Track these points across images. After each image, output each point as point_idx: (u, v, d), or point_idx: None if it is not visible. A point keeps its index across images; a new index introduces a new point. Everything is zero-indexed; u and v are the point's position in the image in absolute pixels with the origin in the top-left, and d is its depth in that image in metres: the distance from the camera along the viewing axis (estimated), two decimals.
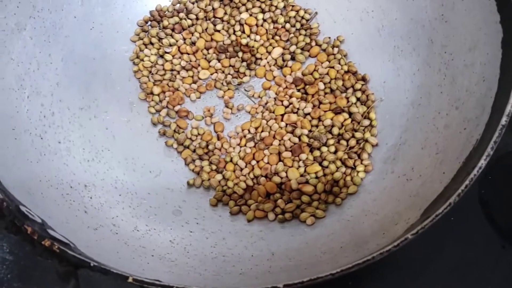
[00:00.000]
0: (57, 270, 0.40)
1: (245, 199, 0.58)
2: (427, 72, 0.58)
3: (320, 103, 0.62)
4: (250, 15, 0.68)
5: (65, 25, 0.60)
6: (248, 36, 0.67)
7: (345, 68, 0.64)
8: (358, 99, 0.62)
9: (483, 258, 0.60)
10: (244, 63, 0.66)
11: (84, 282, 0.41)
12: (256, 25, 0.68)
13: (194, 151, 0.62)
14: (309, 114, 0.62)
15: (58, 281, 0.40)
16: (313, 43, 0.67)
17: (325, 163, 0.59)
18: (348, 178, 0.58)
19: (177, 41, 0.67)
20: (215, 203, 0.58)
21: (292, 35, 0.67)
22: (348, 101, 0.62)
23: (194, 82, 0.66)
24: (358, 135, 0.60)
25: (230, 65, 0.66)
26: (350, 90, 0.63)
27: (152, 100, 0.64)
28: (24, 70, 0.55)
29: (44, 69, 0.57)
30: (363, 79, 0.63)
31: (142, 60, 0.66)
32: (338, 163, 0.59)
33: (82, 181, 0.55)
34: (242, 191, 0.59)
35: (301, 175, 0.59)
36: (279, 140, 0.61)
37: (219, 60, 0.66)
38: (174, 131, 0.63)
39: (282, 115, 0.63)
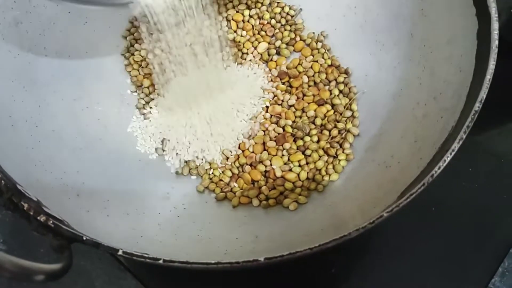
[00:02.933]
0: (51, 244, 0.42)
1: (231, 186, 0.61)
2: (408, 65, 0.60)
3: (304, 95, 0.64)
4: (237, 11, 0.71)
5: (60, 20, 0.61)
6: (235, 31, 0.70)
7: (328, 62, 0.66)
8: (340, 91, 0.64)
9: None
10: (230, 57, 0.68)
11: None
12: (243, 21, 0.70)
13: None
14: (293, 105, 0.64)
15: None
16: (298, 38, 0.69)
17: (308, 152, 0.61)
18: (330, 166, 0.60)
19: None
20: (202, 189, 0.60)
21: (277, 30, 0.70)
22: (331, 94, 0.64)
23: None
24: (340, 125, 0.62)
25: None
26: (333, 83, 0.65)
27: (142, 92, 0.66)
28: (21, 62, 0.57)
29: (39, 61, 0.59)
30: (346, 72, 0.65)
31: (133, 54, 0.68)
32: (321, 152, 0.61)
33: (75, 167, 0.56)
34: (228, 179, 0.61)
35: (285, 164, 0.61)
36: (264, 130, 0.63)
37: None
38: None
39: (267, 107, 0.65)
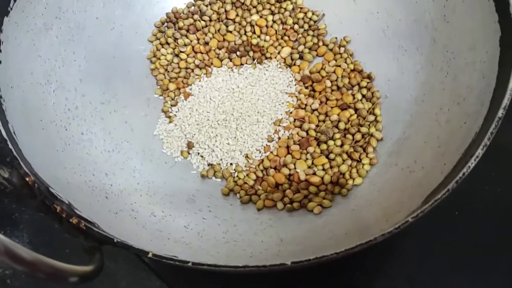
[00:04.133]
0: (83, 245, 0.43)
1: (255, 189, 0.61)
2: (430, 70, 0.60)
3: (327, 99, 0.65)
4: (261, 16, 0.71)
5: (88, 26, 0.63)
6: (258, 36, 0.70)
7: (351, 66, 0.67)
8: (363, 96, 0.65)
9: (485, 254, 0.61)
10: (255, 61, 0.69)
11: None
12: (266, 26, 0.71)
13: None
14: (316, 110, 0.64)
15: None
16: (320, 43, 0.69)
17: (332, 156, 0.61)
18: (354, 170, 0.60)
19: (191, 41, 0.70)
20: (227, 192, 0.61)
21: (300, 35, 0.70)
22: (354, 98, 0.65)
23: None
24: (364, 129, 0.62)
25: (241, 64, 0.69)
26: (356, 88, 0.65)
27: (168, 96, 0.67)
28: (50, 66, 0.58)
29: (68, 66, 0.60)
30: (369, 77, 0.66)
31: (159, 58, 0.69)
32: (344, 156, 0.61)
33: (103, 169, 0.58)
34: (252, 182, 0.61)
35: (309, 167, 0.61)
36: (288, 134, 0.64)
37: (230, 59, 0.69)
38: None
39: (291, 111, 0.65)
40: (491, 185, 0.64)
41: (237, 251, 0.53)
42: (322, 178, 0.60)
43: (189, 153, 0.63)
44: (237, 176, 0.62)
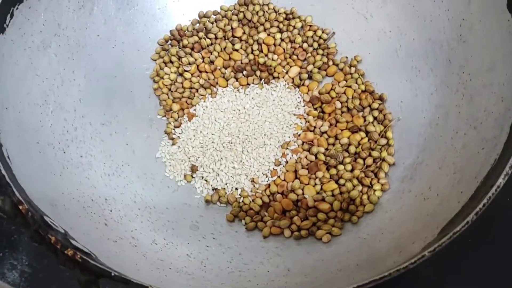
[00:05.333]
0: (78, 279, 0.41)
1: (261, 216, 0.59)
2: (445, 92, 0.58)
3: (337, 121, 0.63)
4: (268, 34, 0.69)
5: (89, 43, 0.61)
6: (266, 55, 0.68)
7: (362, 87, 0.65)
8: (375, 118, 0.63)
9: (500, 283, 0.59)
10: (262, 81, 0.67)
11: None
12: (274, 44, 0.69)
13: None
14: (325, 132, 0.63)
15: None
16: (330, 63, 0.68)
17: (342, 181, 0.59)
18: (365, 196, 0.58)
19: (196, 59, 0.68)
20: (232, 218, 0.59)
21: (309, 54, 0.68)
22: (365, 120, 0.62)
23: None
24: (375, 154, 0.60)
25: (247, 83, 0.67)
26: (367, 109, 0.63)
27: (171, 117, 0.65)
28: (49, 86, 0.56)
29: (67, 85, 0.58)
30: (381, 98, 0.64)
31: (162, 78, 0.67)
32: (355, 181, 0.59)
33: (102, 194, 0.55)
34: (258, 208, 0.59)
35: (318, 193, 0.59)
36: (296, 158, 0.62)
37: (236, 78, 0.67)
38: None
39: (299, 134, 0.63)
40: (508, 211, 0.61)
41: (243, 282, 0.51)
42: (331, 204, 0.58)
43: (192, 177, 0.61)
44: (242, 201, 0.60)
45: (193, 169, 0.61)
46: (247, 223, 0.58)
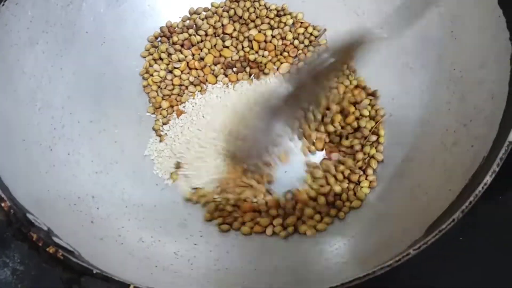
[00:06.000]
0: (61, 277, 0.40)
1: (234, 217, 0.58)
2: (436, 90, 0.58)
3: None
4: (259, 31, 0.69)
5: (77, 40, 0.61)
6: (257, 52, 0.68)
7: (354, 83, 0.64)
8: (368, 115, 0.62)
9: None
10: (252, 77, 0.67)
11: None
12: (265, 41, 0.68)
13: None
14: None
15: None
16: None
17: (329, 175, 0.59)
18: (351, 192, 0.58)
19: (186, 56, 0.67)
20: (209, 218, 0.58)
21: (300, 51, 0.68)
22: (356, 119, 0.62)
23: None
24: (367, 149, 0.60)
25: (237, 79, 0.67)
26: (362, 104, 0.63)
27: (160, 114, 0.64)
28: (36, 83, 0.56)
29: (55, 82, 0.58)
30: (373, 94, 0.63)
31: (152, 75, 0.67)
32: (340, 176, 0.59)
33: (90, 192, 0.55)
34: (231, 208, 0.59)
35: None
36: None
37: (226, 75, 0.67)
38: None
39: None
40: (498, 209, 0.61)
41: (229, 280, 0.51)
42: (316, 198, 0.58)
43: (177, 174, 0.61)
44: (219, 201, 0.59)
45: (177, 165, 0.61)
46: (219, 224, 0.57)
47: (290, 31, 0.69)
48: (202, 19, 0.70)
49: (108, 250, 0.50)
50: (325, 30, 0.69)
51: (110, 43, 0.64)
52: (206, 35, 0.69)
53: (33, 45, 0.56)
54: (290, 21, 0.69)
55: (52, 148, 0.55)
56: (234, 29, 0.69)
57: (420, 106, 0.59)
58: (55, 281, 0.38)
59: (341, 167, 0.59)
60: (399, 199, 0.55)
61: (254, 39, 0.68)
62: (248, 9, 0.70)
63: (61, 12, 0.59)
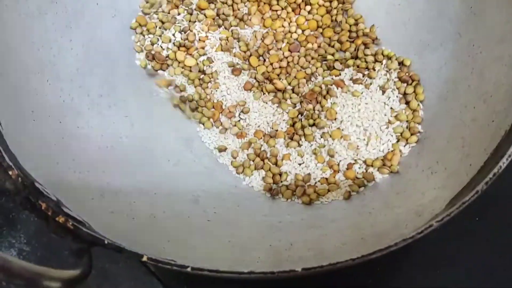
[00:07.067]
0: (70, 247, 0.39)
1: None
2: (454, 66, 0.57)
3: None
4: None
5: (87, 12, 0.60)
6: None
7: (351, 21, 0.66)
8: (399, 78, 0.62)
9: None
10: None
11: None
12: None
13: None
14: None
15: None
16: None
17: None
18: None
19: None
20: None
21: None
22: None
23: None
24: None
25: None
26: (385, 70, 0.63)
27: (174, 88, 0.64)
28: (45, 54, 0.54)
29: (64, 54, 0.57)
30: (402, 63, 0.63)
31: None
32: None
33: (100, 166, 0.54)
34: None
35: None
36: None
37: None
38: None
39: None
40: None
41: (244, 256, 0.50)
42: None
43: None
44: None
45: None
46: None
47: None
48: None
49: (119, 224, 0.48)
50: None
51: (121, 15, 0.64)
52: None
53: (42, 15, 0.54)
54: None
55: (61, 121, 0.54)
56: None
57: (438, 84, 0.58)
58: (62, 262, 0.37)
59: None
60: (417, 176, 0.54)
61: None
62: None
63: None
